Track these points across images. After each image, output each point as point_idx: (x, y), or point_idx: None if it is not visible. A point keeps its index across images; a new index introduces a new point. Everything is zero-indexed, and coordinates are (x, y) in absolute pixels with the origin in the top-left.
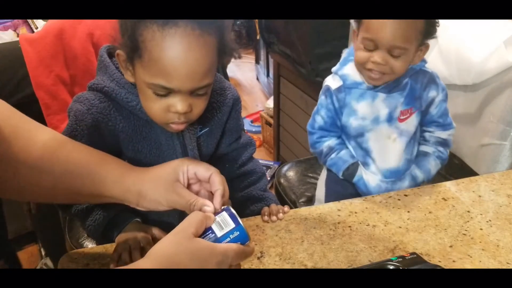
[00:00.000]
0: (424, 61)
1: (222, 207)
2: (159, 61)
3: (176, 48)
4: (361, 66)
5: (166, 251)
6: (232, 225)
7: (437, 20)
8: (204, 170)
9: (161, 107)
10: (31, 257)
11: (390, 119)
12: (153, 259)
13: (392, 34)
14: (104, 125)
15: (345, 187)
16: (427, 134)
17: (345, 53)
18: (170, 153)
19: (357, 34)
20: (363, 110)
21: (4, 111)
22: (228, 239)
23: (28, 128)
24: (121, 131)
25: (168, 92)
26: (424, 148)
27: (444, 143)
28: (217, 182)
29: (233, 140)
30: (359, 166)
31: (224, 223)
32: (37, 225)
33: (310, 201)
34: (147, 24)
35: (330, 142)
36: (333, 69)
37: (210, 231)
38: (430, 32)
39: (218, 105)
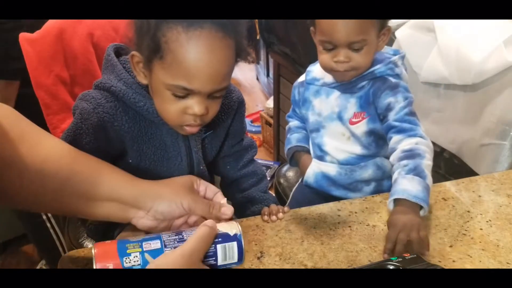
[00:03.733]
0: (391, 71)
1: (235, 233)
2: (183, 62)
3: (201, 50)
4: (326, 68)
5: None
6: (235, 259)
7: None
8: (214, 188)
9: (178, 109)
10: (31, 257)
11: (341, 118)
12: None
13: (346, 31)
14: (110, 125)
15: (304, 195)
16: (389, 149)
17: None
18: (175, 154)
19: (315, 34)
20: (319, 105)
21: (10, 116)
22: (225, 267)
23: (34, 134)
24: (126, 132)
25: (187, 93)
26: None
27: (409, 155)
28: (220, 195)
29: (236, 142)
30: (297, 153)
31: (229, 254)
32: (26, 226)
33: None
34: (170, 25)
35: (291, 123)
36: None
37: (214, 258)
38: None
39: (223, 107)
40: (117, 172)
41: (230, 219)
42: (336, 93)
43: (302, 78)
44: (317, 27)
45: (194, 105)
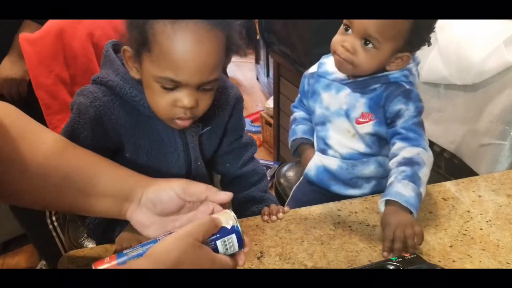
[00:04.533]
0: (406, 77)
1: (232, 224)
2: (169, 54)
3: (187, 41)
4: (332, 49)
5: (170, 256)
6: (236, 249)
7: (426, 42)
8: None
9: (168, 101)
10: (31, 257)
11: (348, 116)
12: (154, 261)
13: (371, 22)
14: (107, 118)
15: (304, 194)
16: (390, 154)
17: None
18: (172, 150)
19: None
20: (327, 100)
21: (12, 113)
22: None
23: (35, 130)
24: (123, 126)
25: (175, 85)
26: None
27: (408, 162)
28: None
29: (234, 139)
30: (302, 145)
31: (230, 246)
32: (25, 226)
33: None
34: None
35: (297, 114)
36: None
37: (215, 250)
38: (413, 44)
39: (220, 103)
40: (113, 167)
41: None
42: (346, 90)
43: (313, 69)
44: None
45: (184, 98)
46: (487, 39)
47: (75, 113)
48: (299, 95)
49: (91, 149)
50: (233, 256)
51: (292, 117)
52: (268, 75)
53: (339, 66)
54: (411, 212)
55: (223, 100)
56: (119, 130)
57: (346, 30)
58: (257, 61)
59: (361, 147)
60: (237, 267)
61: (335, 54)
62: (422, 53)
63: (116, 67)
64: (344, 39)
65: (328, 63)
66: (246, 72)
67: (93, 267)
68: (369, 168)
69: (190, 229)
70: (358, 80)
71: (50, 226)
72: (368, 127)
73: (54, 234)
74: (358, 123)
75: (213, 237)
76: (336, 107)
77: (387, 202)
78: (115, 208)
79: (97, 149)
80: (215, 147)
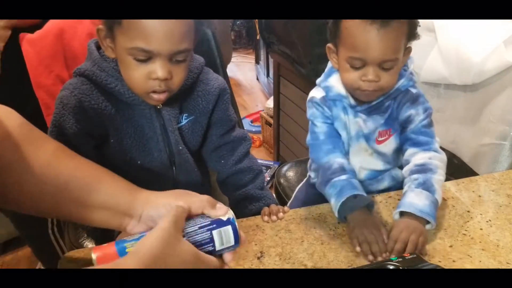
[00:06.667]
0: (412, 81)
1: (228, 217)
2: (138, 23)
3: None
4: (351, 87)
5: (154, 252)
6: (232, 242)
7: (418, 21)
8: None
9: (142, 74)
10: (31, 257)
11: (368, 139)
12: (140, 258)
13: (382, 49)
14: (88, 104)
15: (307, 195)
16: (403, 161)
17: (329, 63)
18: (152, 134)
19: (334, 51)
20: (348, 123)
21: (15, 119)
22: (222, 252)
23: (37, 138)
24: (104, 111)
25: (148, 56)
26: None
27: (420, 170)
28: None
29: (224, 131)
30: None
31: (226, 239)
32: (19, 228)
33: None
34: None
35: (341, 159)
36: (318, 80)
37: (211, 244)
38: (412, 35)
39: (203, 93)
40: (111, 179)
41: None
42: (362, 116)
43: (320, 94)
44: (344, 44)
45: (157, 69)
46: (487, 39)
47: (59, 107)
48: (321, 129)
49: (78, 138)
50: (219, 257)
51: (334, 162)
52: (268, 75)
53: (368, 98)
54: (427, 222)
55: (206, 90)
56: (101, 116)
57: (358, 66)
58: (257, 61)
59: (379, 165)
60: (224, 267)
61: (358, 90)
62: (422, 53)
63: (94, 58)
64: (362, 73)
65: (336, 86)
66: (246, 72)
67: (93, 252)
68: (383, 184)
69: (169, 220)
70: (372, 104)
71: (52, 237)
72: (390, 144)
73: (55, 243)
74: (379, 142)
75: (209, 227)
76: (354, 131)
77: (401, 214)
78: (115, 222)
79: (84, 136)
80: (201, 137)
